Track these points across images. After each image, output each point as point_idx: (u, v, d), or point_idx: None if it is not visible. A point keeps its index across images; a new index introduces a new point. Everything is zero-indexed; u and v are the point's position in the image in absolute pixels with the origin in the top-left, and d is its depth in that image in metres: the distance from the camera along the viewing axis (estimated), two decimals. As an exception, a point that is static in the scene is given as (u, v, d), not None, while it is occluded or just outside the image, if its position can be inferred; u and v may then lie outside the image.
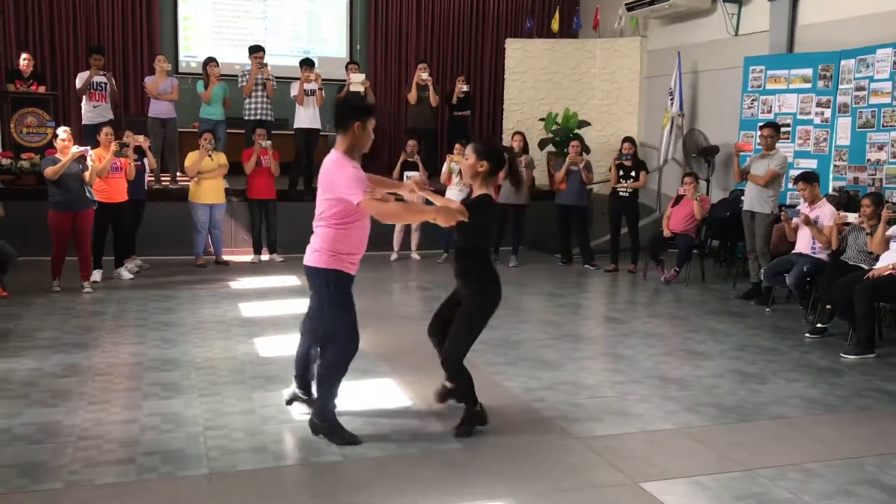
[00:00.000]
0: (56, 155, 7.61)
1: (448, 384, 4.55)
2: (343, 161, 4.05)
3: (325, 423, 4.21)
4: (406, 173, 10.03)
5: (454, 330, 4.29)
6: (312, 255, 4.15)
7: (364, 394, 5.00)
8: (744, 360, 6.00)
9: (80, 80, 10.09)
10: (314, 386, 4.44)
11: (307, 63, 10.56)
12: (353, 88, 10.73)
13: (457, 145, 9.97)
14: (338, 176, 4.01)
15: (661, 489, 3.75)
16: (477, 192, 4.25)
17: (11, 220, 8.00)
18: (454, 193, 9.96)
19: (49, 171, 7.45)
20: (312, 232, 4.21)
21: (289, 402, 4.68)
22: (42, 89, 10.35)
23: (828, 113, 9.28)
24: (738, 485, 3.81)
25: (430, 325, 4.60)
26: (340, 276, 4.14)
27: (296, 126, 10.47)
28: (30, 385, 4.97)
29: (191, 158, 9.25)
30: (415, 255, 10.24)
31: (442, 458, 4.08)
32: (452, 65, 14.49)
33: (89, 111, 10.06)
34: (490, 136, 4.29)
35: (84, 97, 10.09)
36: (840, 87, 9.13)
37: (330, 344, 4.23)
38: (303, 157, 10.55)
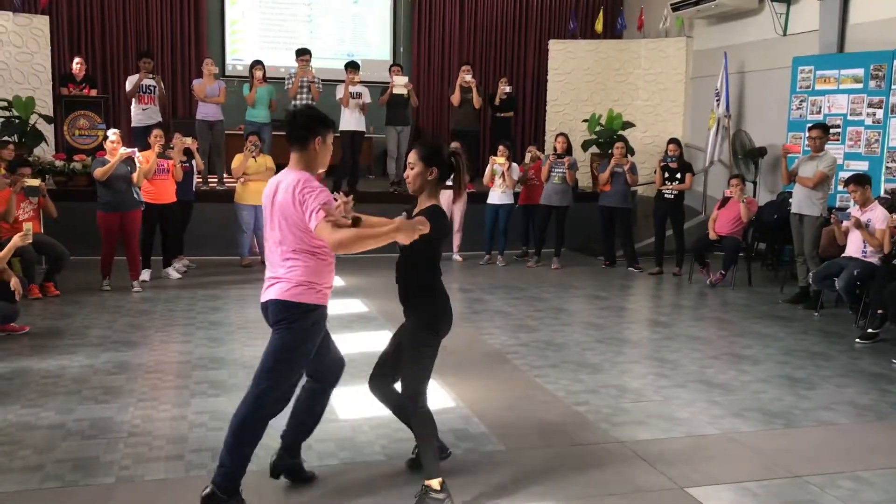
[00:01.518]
0: (106, 156, 7.79)
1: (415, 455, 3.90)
2: (308, 181, 3.43)
3: (224, 496, 3.41)
4: (448, 175, 10.03)
5: (402, 378, 3.67)
6: (276, 288, 3.49)
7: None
8: (791, 365, 5.90)
9: (129, 84, 10.30)
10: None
11: (352, 65, 10.65)
12: (396, 91, 10.77)
13: (500, 147, 9.97)
14: (298, 195, 3.36)
15: (708, 495, 3.71)
16: (428, 201, 3.71)
17: (63, 220, 8.21)
18: (497, 195, 9.98)
19: (98, 172, 7.62)
20: None
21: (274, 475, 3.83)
22: (94, 93, 10.60)
23: (880, 114, 9.08)
24: (787, 491, 3.76)
25: (370, 378, 3.88)
26: (308, 311, 3.51)
27: (341, 128, 10.56)
28: (82, 382, 5.10)
29: (236, 161, 9.38)
30: (456, 257, 10.25)
31: (486, 460, 4.08)
32: (495, 66, 14.48)
33: (138, 114, 10.27)
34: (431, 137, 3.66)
35: (133, 100, 10.30)
36: (893, 86, 8.92)
37: (260, 388, 3.50)
38: (348, 158, 10.63)
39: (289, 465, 3.76)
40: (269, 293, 3.47)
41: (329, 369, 3.78)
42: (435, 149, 3.72)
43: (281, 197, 3.42)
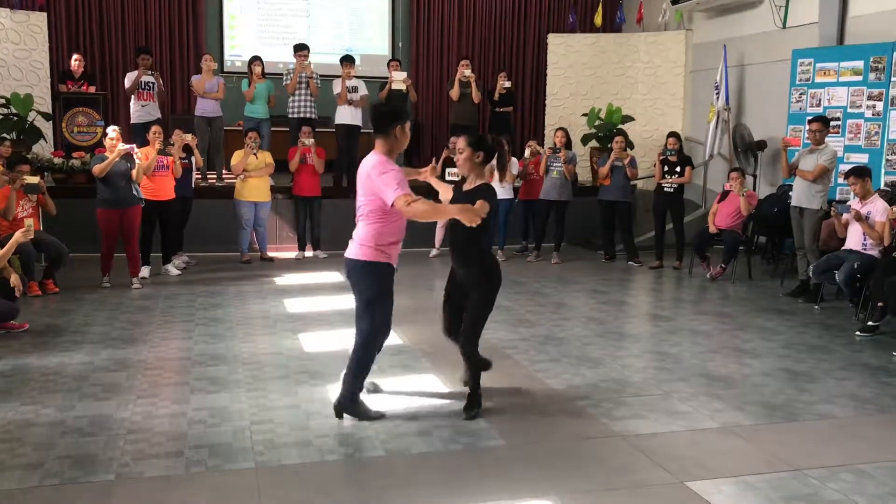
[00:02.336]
0: (105, 153, 7.77)
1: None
2: (384, 163, 4.25)
3: (353, 405, 4.48)
4: (447, 169, 10.02)
5: (469, 320, 4.52)
6: (355, 248, 4.36)
7: (407, 389, 5.02)
8: (792, 359, 5.89)
9: (128, 80, 10.28)
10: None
11: (348, 59, 10.62)
12: (394, 86, 10.74)
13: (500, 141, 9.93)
14: (378, 175, 4.19)
15: (708, 489, 3.70)
16: (479, 180, 4.48)
17: (63, 217, 8.20)
18: (497, 190, 9.94)
19: (97, 168, 7.61)
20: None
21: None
22: (92, 89, 10.57)
23: (880, 106, 9.05)
24: (788, 485, 3.75)
25: (444, 327, 4.80)
26: (382, 267, 4.36)
27: (337, 122, 10.54)
28: (81, 379, 5.09)
29: (236, 157, 9.36)
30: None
31: (485, 455, 4.08)
32: (494, 61, 14.46)
33: (137, 110, 10.24)
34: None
35: (132, 97, 10.27)
36: (893, 79, 8.90)
37: (364, 330, 4.43)
38: (344, 153, 10.62)
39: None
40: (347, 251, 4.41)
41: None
42: (480, 136, 4.57)
43: (364, 174, 4.28)
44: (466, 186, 4.54)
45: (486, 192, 4.38)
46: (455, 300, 4.68)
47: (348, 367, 4.48)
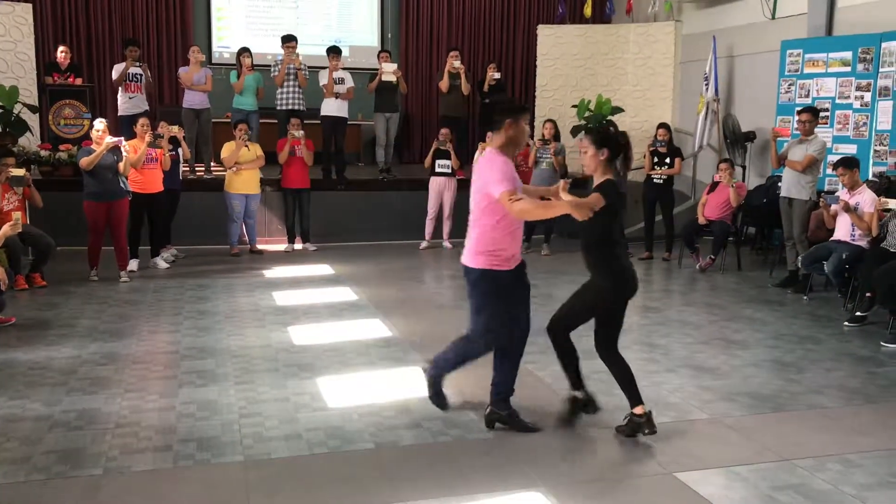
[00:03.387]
0: (92, 146, 7.71)
1: (577, 394, 4.44)
2: (495, 157, 4.13)
3: (433, 388, 4.49)
4: (437, 161, 10.01)
5: (570, 302, 4.33)
6: (467, 255, 4.21)
7: (397, 382, 5.01)
8: (781, 349, 5.91)
9: (115, 72, 10.21)
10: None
11: (334, 50, 10.57)
12: (384, 78, 10.70)
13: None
14: (487, 170, 4.09)
15: (697, 479, 3.71)
16: (602, 178, 4.19)
17: (50, 210, 8.15)
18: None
19: (84, 161, 7.55)
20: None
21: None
22: (79, 81, 10.49)
23: (868, 97, 9.07)
24: (776, 475, 3.76)
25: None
26: (496, 276, 4.15)
27: (322, 114, 10.49)
28: (69, 373, 5.06)
29: (227, 149, 9.31)
30: (446, 244, 10.23)
31: (475, 447, 4.08)
32: (484, 52, 14.42)
33: (125, 102, 10.17)
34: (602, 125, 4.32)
35: (120, 89, 10.20)
36: (881, 70, 8.92)
37: (478, 331, 4.26)
38: (330, 145, 10.58)
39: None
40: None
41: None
42: (604, 133, 4.31)
43: (476, 171, 4.21)
44: (594, 184, 4.30)
45: (607, 187, 4.11)
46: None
47: (448, 350, 4.42)
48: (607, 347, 4.28)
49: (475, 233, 4.16)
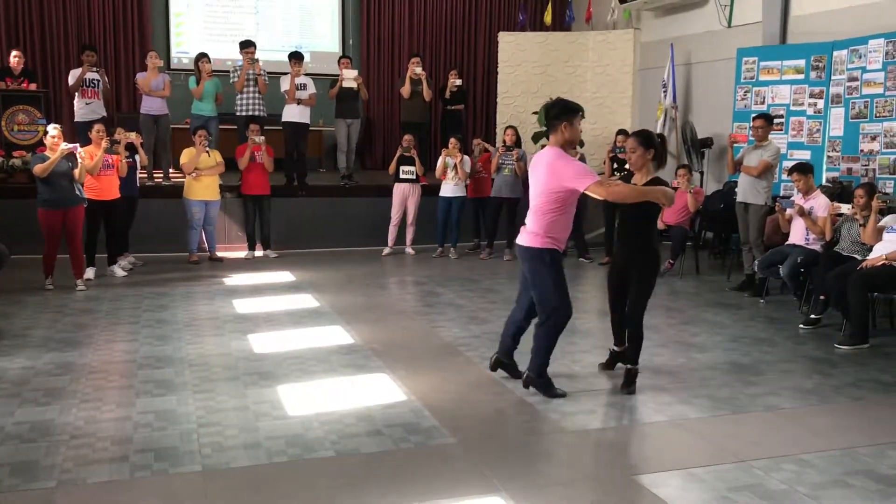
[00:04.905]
0: (46, 152, 7.57)
1: (616, 348, 5.37)
2: (564, 156, 4.62)
3: (540, 379, 4.87)
4: (402, 167, 10.01)
5: (637, 294, 4.98)
6: (529, 237, 4.75)
7: (358, 388, 4.99)
8: (738, 352, 6.00)
9: (72, 77, 10.03)
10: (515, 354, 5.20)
11: (296, 56, 10.53)
12: (345, 84, 10.67)
13: (452, 140, 9.95)
14: (563, 169, 4.55)
15: (656, 482, 3.74)
16: (649, 176, 4.88)
17: (3, 218, 8.00)
18: (450, 188, 9.97)
19: (38, 168, 7.41)
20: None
21: (493, 368, 5.26)
22: (33, 87, 10.29)
23: (821, 104, 9.28)
24: (733, 476, 3.81)
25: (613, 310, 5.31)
26: (555, 253, 4.73)
27: (284, 120, 10.43)
28: (22, 384, 4.96)
29: (186, 155, 9.20)
30: (409, 250, 10.23)
31: (436, 453, 4.07)
32: (445, 59, 14.48)
33: (82, 108, 10.00)
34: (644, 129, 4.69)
35: (76, 94, 10.04)
36: (833, 77, 9.12)
37: (548, 310, 4.77)
38: (292, 152, 10.51)
39: (504, 364, 5.21)
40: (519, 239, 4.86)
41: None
42: (649, 135, 4.97)
43: (541, 169, 4.65)
44: (641, 183, 4.85)
45: (661, 182, 4.81)
46: (618, 288, 5.16)
47: (536, 346, 4.86)
48: (642, 316, 5.02)
49: (544, 220, 4.66)
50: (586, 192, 4.51)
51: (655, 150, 4.87)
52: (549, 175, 4.59)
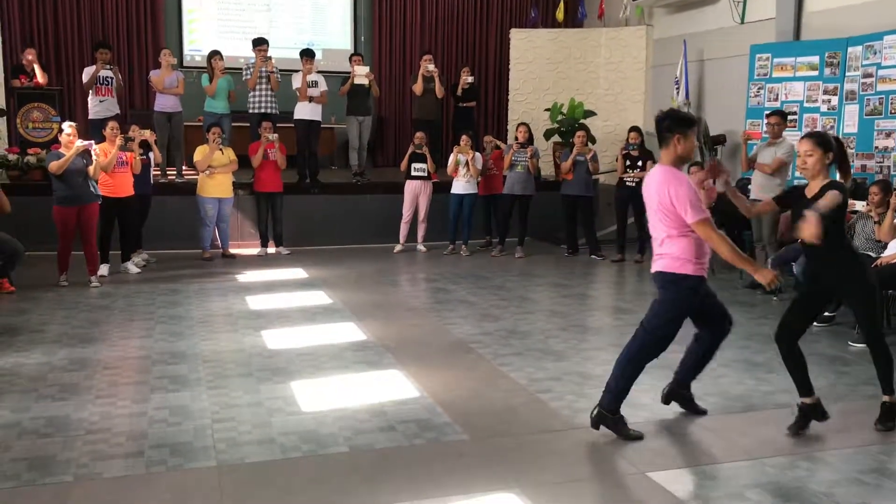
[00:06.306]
0: (61, 150, 7.62)
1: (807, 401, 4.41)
2: (677, 177, 4.10)
3: (612, 416, 4.24)
4: (413, 164, 10.02)
5: (861, 314, 4.43)
6: (665, 263, 4.19)
7: (371, 385, 5.01)
8: (751, 350, 5.98)
9: (86, 75, 10.07)
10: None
11: (307, 54, 10.55)
12: (357, 81, 10.68)
13: (463, 137, 9.96)
14: (675, 191, 4.05)
15: (669, 479, 3.74)
16: (824, 180, 4.22)
17: (19, 215, 8.02)
18: (461, 185, 9.97)
19: (53, 165, 7.46)
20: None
21: (666, 402, 4.65)
22: (44, 77, 10.29)
23: (835, 100, 9.22)
24: (746, 473, 3.81)
25: (780, 334, 4.47)
26: (695, 280, 4.18)
27: (296, 118, 10.45)
28: (38, 379, 5.00)
29: (200, 153, 9.24)
30: (420, 247, 10.24)
31: (449, 450, 4.09)
32: (457, 56, 14.47)
33: (95, 106, 10.04)
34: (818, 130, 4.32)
35: (90, 92, 10.09)
36: (847, 74, 9.07)
37: (645, 335, 4.27)
38: (304, 149, 10.54)
39: (678, 395, 4.62)
40: (655, 266, 4.27)
41: (716, 324, 4.49)
42: (826, 136, 4.33)
43: (654, 189, 4.14)
44: (810, 192, 4.27)
45: (835, 187, 4.15)
46: (810, 305, 4.48)
47: (620, 371, 4.27)
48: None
49: (675, 242, 4.13)
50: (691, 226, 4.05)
51: (834, 153, 4.24)
52: (659, 198, 4.10)
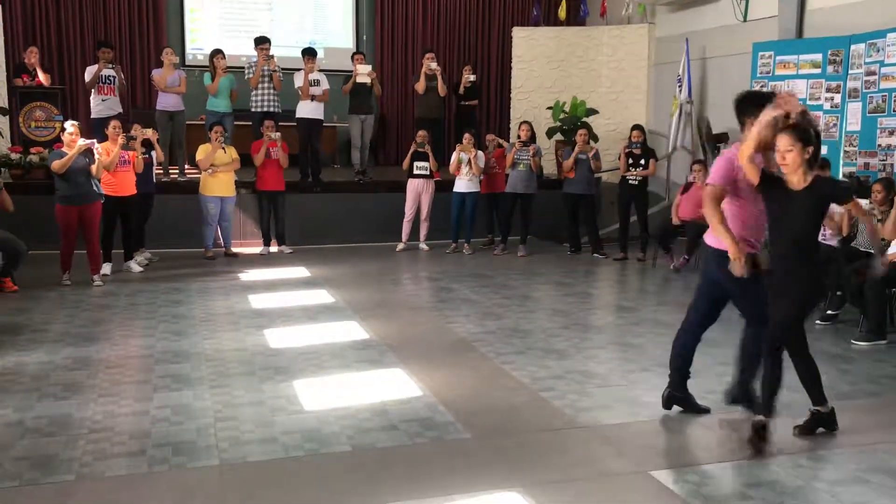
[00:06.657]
0: (63, 149, 7.63)
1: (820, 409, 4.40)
2: (728, 153, 4.27)
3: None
4: (416, 163, 10.01)
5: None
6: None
7: (373, 384, 5.00)
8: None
9: (88, 74, 10.09)
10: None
11: (309, 52, 10.54)
12: (359, 80, 10.67)
13: (466, 135, 9.95)
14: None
15: (671, 477, 3.74)
16: (808, 177, 4.11)
17: (21, 214, 8.03)
18: (464, 183, 9.96)
19: (56, 164, 7.47)
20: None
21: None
22: (46, 78, 10.31)
23: (837, 98, 9.20)
24: (749, 472, 3.80)
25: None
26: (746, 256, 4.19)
27: (298, 116, 10.45)
28: (41, 378, 5.00)
29: (202, 152, 9.24)
30: (423, 246, 10.24)
31: (451, 448, 4.08)
32: (459, 54, 14.46)
33: (98, 105, 10.06)
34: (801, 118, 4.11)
35: (93, 91, 10.09)
36: (850, 72, 9.05)
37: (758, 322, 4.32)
38: (306, 148, 10.54)
39: (677, 399, 4.59)
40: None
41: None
42: (805, 130, 4.14)
43: None
44: (796, 185, 4.12)
45: (828, 184, 4.21)
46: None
47: (743, 364, 4.43)
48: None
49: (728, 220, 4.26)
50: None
51: (814, 147, 4.11)
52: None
